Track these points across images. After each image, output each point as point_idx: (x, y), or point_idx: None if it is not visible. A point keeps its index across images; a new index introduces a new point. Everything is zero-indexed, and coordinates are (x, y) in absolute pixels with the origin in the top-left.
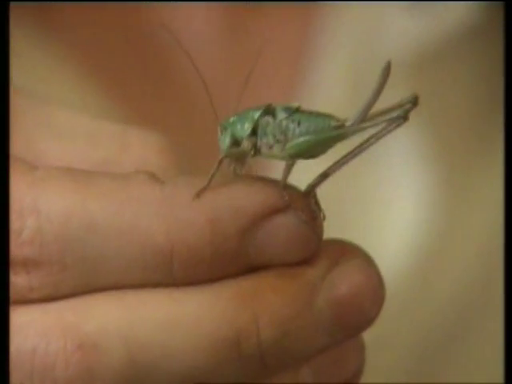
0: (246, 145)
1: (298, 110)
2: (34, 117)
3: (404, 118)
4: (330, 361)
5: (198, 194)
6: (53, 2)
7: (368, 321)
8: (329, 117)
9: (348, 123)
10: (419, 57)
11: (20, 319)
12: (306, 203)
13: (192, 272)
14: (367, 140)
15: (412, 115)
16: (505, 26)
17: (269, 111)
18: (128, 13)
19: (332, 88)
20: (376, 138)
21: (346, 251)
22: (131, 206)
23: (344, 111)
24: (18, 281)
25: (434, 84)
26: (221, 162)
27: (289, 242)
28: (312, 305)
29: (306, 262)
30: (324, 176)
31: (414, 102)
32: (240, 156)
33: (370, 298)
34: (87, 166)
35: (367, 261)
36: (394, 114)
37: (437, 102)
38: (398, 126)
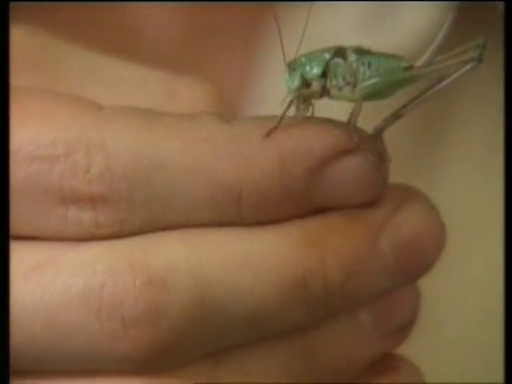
0: (315, 86)
1: (368, 52)
2: (80, 64)
3: (478, 59)
4: (387, 305)
5: (268, 134)
6: (52, 2)
7: (428, 264)
8: (399, 58)
9: (417, 64)
10: None
11: (86, 255)
12: (374, 145)
13: (260, 211)
14: (437, 83)
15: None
16: (505, 25)
17: (339, 53)
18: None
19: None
20: (447, 81)
21: (409, 196)
22: (200, 145)
23: None
24: (83, 217)
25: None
26: (291, 102)
27: (356, 184)
28: (376, 247)
29: (370, 204)
30: (392, 118)
31: (483, 45)
32: (308, 97)
33: (431, 242)
34: None
35: (429, 206)
36: (462, 57)
37: None
38: (472, 68)
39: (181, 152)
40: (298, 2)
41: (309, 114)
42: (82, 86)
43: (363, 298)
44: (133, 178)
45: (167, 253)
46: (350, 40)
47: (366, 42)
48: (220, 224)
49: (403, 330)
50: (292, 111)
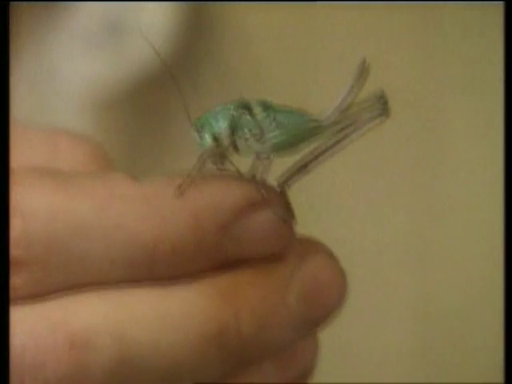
0: (224, 140)
1: (272, 105)
2: None
3: (384, 113)
4: (289, 354)
5: (180, 190)
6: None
7: (331, 313)
8: (303, 112)
9: (323, 119)
10: (102, 100)
11: None
12: (283, 199)
13: (174, 267)
14: (345, 136)
15: None
16: (505, 25)
17: (243, 105)
18: None
19: None
20: (355, 135)
21: (311, 248)
22: (113, 205)
23: None
24: None
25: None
26: (200, 157)
27: (266, 237)
28: (284, 299)
29: (278, 256)
30: (297, 172)
31: (382, 95)
32: (219, 152)
33: (333, 292)
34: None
35: (330, 256)
36: (369, 111)
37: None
38: (381, 122)
39: (94, 212)
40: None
41: (227, 166)
42: None
43: (273, 349)
44: (49, 241)
45: (86, 313)
46: (74, 63)
47: (97, 61)
48: (136, 280)
49: (304, 377)
50: (207, 166)
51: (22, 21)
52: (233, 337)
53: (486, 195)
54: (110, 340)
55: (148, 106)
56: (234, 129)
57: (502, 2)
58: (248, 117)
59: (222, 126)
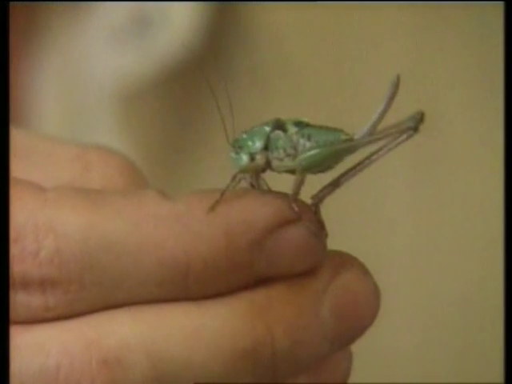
0: (259, 159)
1: (308, 125)
2: None
3: (414, 129)
4: (323, 369)
5: (212, 208)
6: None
7: (364, 327)
8: (338, 131)
9: (357, 137)
10: (130, 91)
11: (39, 338)
12: (314, 214)
13: (207, 285)
14: (376, 152)
15: None
16: (505, 25)
17: (278, 125)
18: None
19: (41, 123)
20: (385, 150)
21: (345, 262)
22: (146, 223)
23: None
24: (32, 301)
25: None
26: (235, 177)
27: (299, 253)
28: (318, 314)
29: (311, 272)
30: (331, 188)
31: (421, 117)
32: (254, 171)
33: (367, 306)
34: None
35: (363, 271)
36: (403, 127)
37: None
38: (408, 137)
39: (127, 231)
40: None
41: (261, 185)
42: None
43: (307, 364)
44: (82, 260)
45: (120, 331)
46: (105, 53)
47: (127, 53)
48: (169, 299)
49: None
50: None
51: (50, 15)
52: (267, 353)
53: (487, 194)
54: (144, 358)
55: (175, 98)
56: (269, 149)
57: (501, 2)
58: (283, 137)
59: (258, 146)
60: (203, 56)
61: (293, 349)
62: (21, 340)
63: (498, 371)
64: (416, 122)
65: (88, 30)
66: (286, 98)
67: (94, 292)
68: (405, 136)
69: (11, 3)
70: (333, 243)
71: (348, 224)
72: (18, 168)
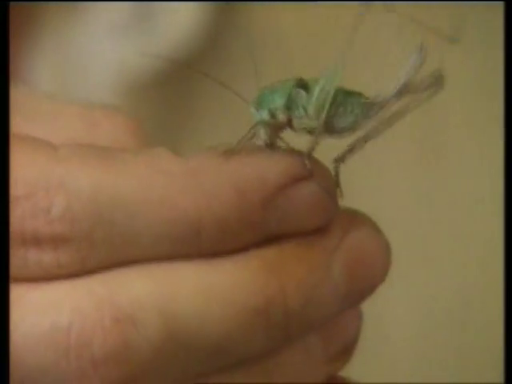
0: (280, 117)
1: (330, 84)
2: None
3: (440, 87)
4: (333, 327)
5: (227, 155)
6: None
7: (375, 286)
8: (359, 94)
9: (379, 101)
10: (132, 83)
11: (51, 295)
12: (326, 171)
13: (219, 241)
14: (393, 113)
15: None
16: (505, 25)
17: (301, 84)
18: None
19: None
20: (401, 112)
21: (356, 220)
22: (158, 180)
23: None
24: (44, 258)
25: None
26: (252, 128)
27: (310, 210)
28: (330, 271)
29: (322, 229)
30: (350, 150)
31: (440, 75)
32: (273, 127)
33: (378, 264)
34: None
35: (375, 229)
36: (425, 89)
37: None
38: (434, 94)
39: (139, 188)
40: None
41: (277, 144)
42: None
43: (319, 322)
44: (93, 217)
45: (132, 289)
46: (106, 44)
47: (126, 47)
48: (181, 256)
49: (347, 351)
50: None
51: (48, 9)
52: (279, 310)
53: (487, 193)
54: (157, 315)
55: (175, 93)
56: (290, 106)
57: (501, 2)
58: (305, 95)
59: (279, 102)
60: (203, 51)
61: (305, 306)
62: (32, 297)
63: (498, 371)
64: (439, 82)
65: (87, 25)
66: None
67: (106, 249)
68: (432, 94)
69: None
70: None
71: None
72: (23, 126)
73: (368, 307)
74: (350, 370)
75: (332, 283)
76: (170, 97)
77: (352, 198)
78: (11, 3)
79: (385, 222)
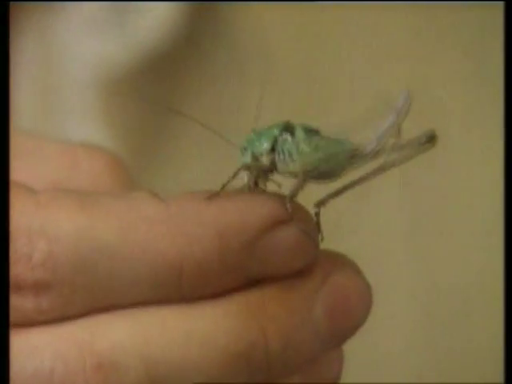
0: (264, 160)
1: (316, 132)
2: None
3: (430, 146)
4: (317, 368)
5: (208, 199)
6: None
7: (357, 327)
8: (345, 142)
9: (365, 150)
10: (110, 78)
11: (32, 342)
12: (307, 215)
13: (201, 286)
14: (380, 167)
15: None
16: (505, 25)
17: (287, 128)
18: None
19: (19, 119)
20: (390, 164)
21: (338, 262)
22: (139, 225)
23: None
24: (26, 304)
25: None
26: (237, 172)
27: (290, 253)
28: (311, 314)
29: (303, 272)
30: (332, 195)
31: (432, 136)
32: (259, 171)
33: (359, 306)
34: (41, 186)
35: (356, 270)
36: (413, 143)
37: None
38: (424, 151)
39: (120, 233)
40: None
41: (262, 187)
42: None
43: (300, 364)
44: (75, 263)
45: (113, 334)
46: (81, 42)
47: (100, 45)
48: (162, 300)
49: None
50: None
51: (28, 3)
52: (260, 354)
53: (486, 193)
54: (138, 360)
55: (154, 87)
56: (275, 150)
57: (501, 2)
58: (290, 141)
59: (264, 146)
60: (183, 45)
61: (286, 350)
62: (15, 343)
63: (498, 371)
64: (430, 138)
65: (67, 18)
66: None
67: (87, 295)
68: (413, 152)
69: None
70: (330, 242)
71: (345, 224)
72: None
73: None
74: (349, 370)
75: (313, 326)
76: (149, 90)
77: (352, 197)
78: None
79: (383, 224)
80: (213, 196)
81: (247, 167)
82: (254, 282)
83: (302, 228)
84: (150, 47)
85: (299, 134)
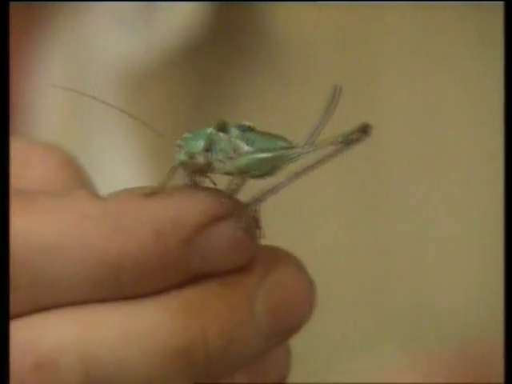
0: (199, 159)
1: (250, 129)
2: None
3: (356, 140)
4: (261, 366)
5: (146, 196)
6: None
7: (300, 323)
8: (280, 138)
9: (298, 146)
10: (137, 75)
11: None
12: (246, 210)
13: (140, 284)
14: (317, 161)
15: None
16: (505, 25)
17: (222, 127)
18: None
19: (49, 113)
20: (326, 158)
21: (279, 258)
22: (77, 224)
23: (63, 136)
24: None
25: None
26: (172, 170)
27: (229, 249)
28: (252, 311)
29: (243, 268)
30: (271, 191)
31: (365, 129)
32: (191, 170)
33: (301, 302)
34: None
35: (298, 266)
36: (345, 138)
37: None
38: (357, 143)
39: (58, 231)
40: None
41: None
42: None
43: (242, 362)
44: (14, 262)
45: (54, 333)
46: (108, 40)
47: (127, 41)
48: (102, 299)
49: None
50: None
51: (56, 2)
52: (200, 353)
53: (486, 193)
54: (76, 360)
55: (181, 83)
56: (210, 149)
57: (501, 2)
58: (225, 139)
59: (199, 146)
60: (209, 42)
61: (227, 347)
62: None
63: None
64: (360, 135)
65: (94, 16)
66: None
67: (28, 294)
68: (345, 146)
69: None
70: (273, 238)
71: (289, 219)
72: None
73: (368, 307)
74: (349, 369)
75: (254, 323)
76: (175, 87)
77: (351, 198)
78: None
79: (379, 224)
80: (149, 192)
81: (183, 165)
82: (194, 279)
83: (240, 224)
84: (176, 46)
85: (233, 131)
